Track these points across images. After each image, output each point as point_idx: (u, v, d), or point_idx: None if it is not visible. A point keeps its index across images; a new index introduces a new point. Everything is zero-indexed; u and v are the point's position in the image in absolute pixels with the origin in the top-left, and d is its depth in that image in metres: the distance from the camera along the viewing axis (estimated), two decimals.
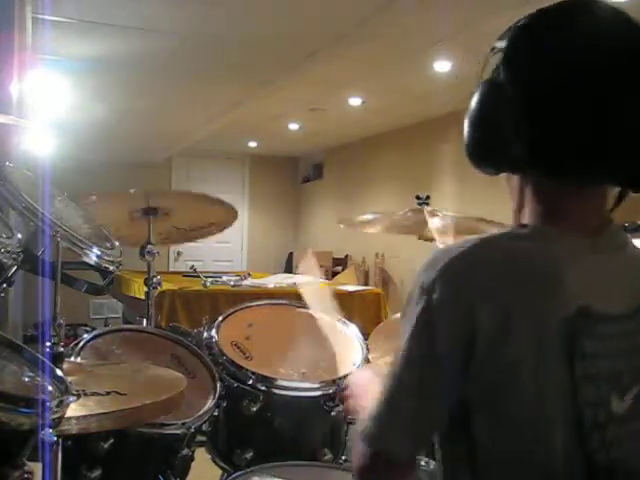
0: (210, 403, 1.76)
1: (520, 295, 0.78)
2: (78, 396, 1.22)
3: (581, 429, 0.76)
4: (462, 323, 0.78)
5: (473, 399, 0.80)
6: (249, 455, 1.79)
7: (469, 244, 0.82)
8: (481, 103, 0.85)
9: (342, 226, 2.20)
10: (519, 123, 0.81)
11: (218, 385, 1.82)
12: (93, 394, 1.29)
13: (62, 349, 1.51)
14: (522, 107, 0.81)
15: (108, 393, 1.31)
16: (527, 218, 0.87)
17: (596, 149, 0.80)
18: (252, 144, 8.47)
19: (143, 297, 3.04)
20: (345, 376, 1.86)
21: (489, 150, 0.86)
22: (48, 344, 1.44)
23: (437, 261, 0.82)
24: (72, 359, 1.67)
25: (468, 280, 0.79)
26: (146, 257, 2.50)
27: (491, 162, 0.87)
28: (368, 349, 1.97)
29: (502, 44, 0.85)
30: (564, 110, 0.80)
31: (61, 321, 1.55)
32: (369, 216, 2.24)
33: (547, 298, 0.78)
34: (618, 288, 0.83)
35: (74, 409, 1.18)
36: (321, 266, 7.88)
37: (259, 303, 2.18)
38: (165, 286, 3.86)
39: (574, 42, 0.82)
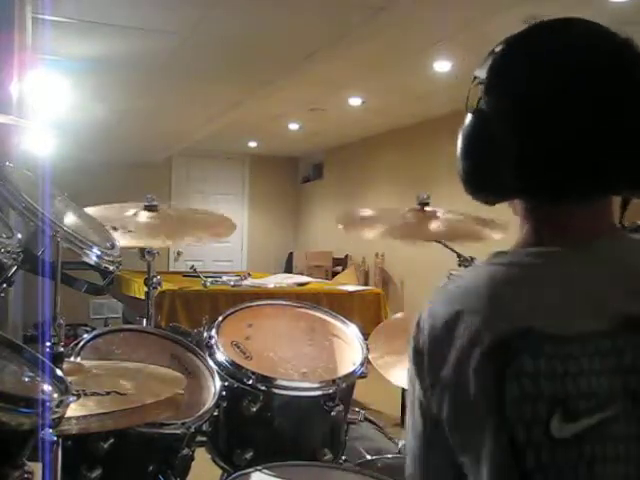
0: (210, 403, 1.76)
1: (467, 329, 0.80)
2: (78, 396, 1.23)
3: (514, 446, 0.75)
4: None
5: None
6: (249, 455, 1.78)
7: (441, 297, 0.86)
8: (467, 135, 0.86)
9: (341, 226, 2.19)
10: (509, 145, 0.81)
11: (218, 385, 1.82)
12: (93, 394, 1.29)
13: (62, 349, 1.51)
14: (515, 124, 0.81)
15: (108, 393, 1.31)
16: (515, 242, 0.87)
17: (596, 152, 0.79)
18: (252, 144, 8.48)
19: (143, 297, 3.04)
20: (345, 376, 1.86)
21: (481, 182, 0.87)
22: (48, 344, 1.44)
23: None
24: (72, 359, 1.67)
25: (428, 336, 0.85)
26: (146, 257, 2.50)
27: (484, 193, 0.89)
28: (368, 349, 1.97)
29: (486, 66, 0.84)
30: (563, 114, 0.79)
31: (61, 321, 1.55)
32: (369, 212, 2.24)
33: (487, 321, 0.78)
34: (596, 304, 0.78)
35: (74, 409, 1.18)
36: (321, 266, 7.89)
37: (259, 303, 2.18)
38: (165, 286, 3.85)
39: (574, 44, 0.81)
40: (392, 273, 7.17)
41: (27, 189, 1.51)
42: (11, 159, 2.56)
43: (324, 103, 5.93)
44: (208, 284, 4.27)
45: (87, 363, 1.56)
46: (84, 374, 1.43)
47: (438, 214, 2.17)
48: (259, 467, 1.64)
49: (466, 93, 0.86)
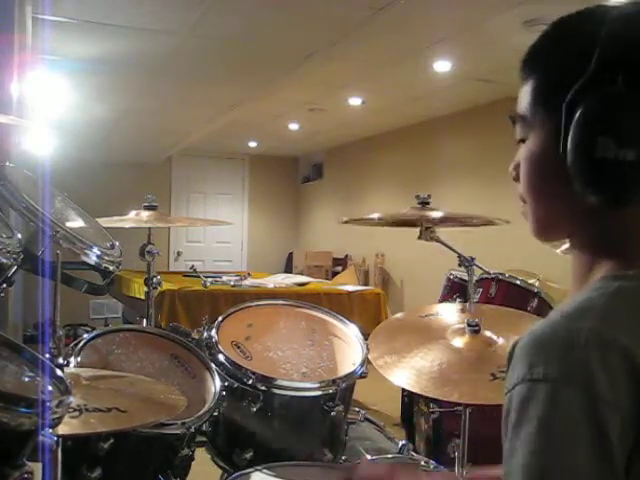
0: (210, 403, 1.76)
1: None
2: (80, 412, 1.23)
3: None
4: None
5: None
6: (249, 455, 1.78)
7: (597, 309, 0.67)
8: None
9: (342, 222, 2.19)
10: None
11: (218, 385, 1.82)
12: (94, 410, 1.29)
13: (62, 361, 1.51)
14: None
15: (109, 410, 1.31)
16: (595, 252, 0.74)
17: None
18: (252, 144, 8.48)
19: (143, 297, 3.05)
20: (345, 376, 1.86)
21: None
22: (47, 356, 1.43)
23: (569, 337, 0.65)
24: (72, 359, 1.67)
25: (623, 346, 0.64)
26: (146, 257, 2.50)
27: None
28: (368, 349, 1.97)
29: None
30: None
31: (60, 332, 1.54)
32: (371, 215, 2.24)
33: None
34: None
35: (77, 426, 1.18)
36: (321, 266, 7.89)
37: (259, 303, 2.18)
38: (165, 286, 3.86)
39: None
40: (392, 273, 7.17)
41: (27, 189, 1.51)
42: (11, 159, 2.57)
43: (324, 103, 5.93)
44: (208, 284, 4.27)
45: (84, 373, 1.55)
46: (83, 388, 1.43)
47: (438, 214, 2.17)
48: (259, 467, 1.64)
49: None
